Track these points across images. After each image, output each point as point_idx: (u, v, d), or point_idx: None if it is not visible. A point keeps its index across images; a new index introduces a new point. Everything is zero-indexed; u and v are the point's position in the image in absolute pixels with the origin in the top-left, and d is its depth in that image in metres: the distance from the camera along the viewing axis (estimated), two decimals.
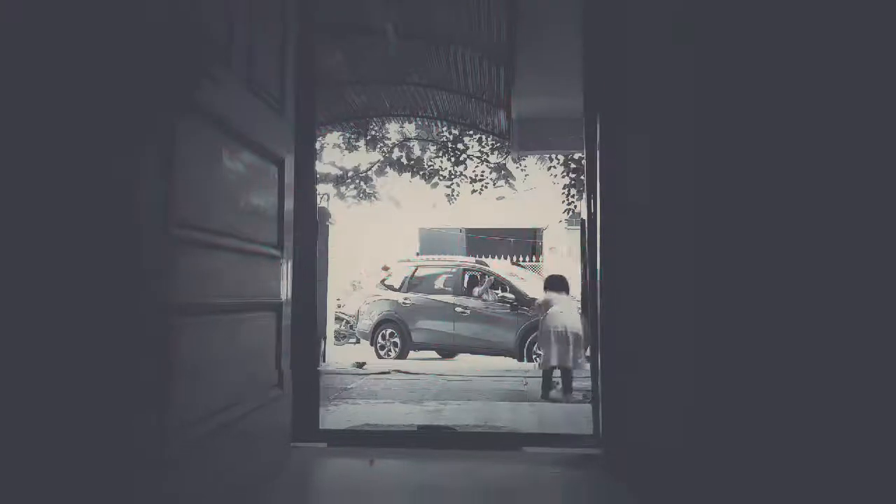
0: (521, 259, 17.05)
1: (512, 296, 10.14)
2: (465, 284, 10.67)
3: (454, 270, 10.93)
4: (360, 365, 7.71)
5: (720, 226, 2.56)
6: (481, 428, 3.55)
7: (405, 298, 10.78)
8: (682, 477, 2.41)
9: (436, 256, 12.57)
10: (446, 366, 8.79)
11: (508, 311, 9.99)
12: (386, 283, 11.35)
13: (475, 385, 6.01)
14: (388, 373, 6.39)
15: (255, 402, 2.31)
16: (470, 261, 11.66)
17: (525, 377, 6.60)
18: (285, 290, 2.64)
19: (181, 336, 1.77)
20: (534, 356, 9.27)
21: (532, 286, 10.39)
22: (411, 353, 10.54)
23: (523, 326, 9.68)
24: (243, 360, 2.24)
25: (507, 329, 9.88)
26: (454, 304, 10.38)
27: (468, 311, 10.26)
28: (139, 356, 1.58)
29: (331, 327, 10.55)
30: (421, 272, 11.18)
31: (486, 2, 6.29)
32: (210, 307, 1.97)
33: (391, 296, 10.98)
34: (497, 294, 10.29)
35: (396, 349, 10.56)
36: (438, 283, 10.92)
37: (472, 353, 10.35)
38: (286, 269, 2.65)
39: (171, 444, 1.70)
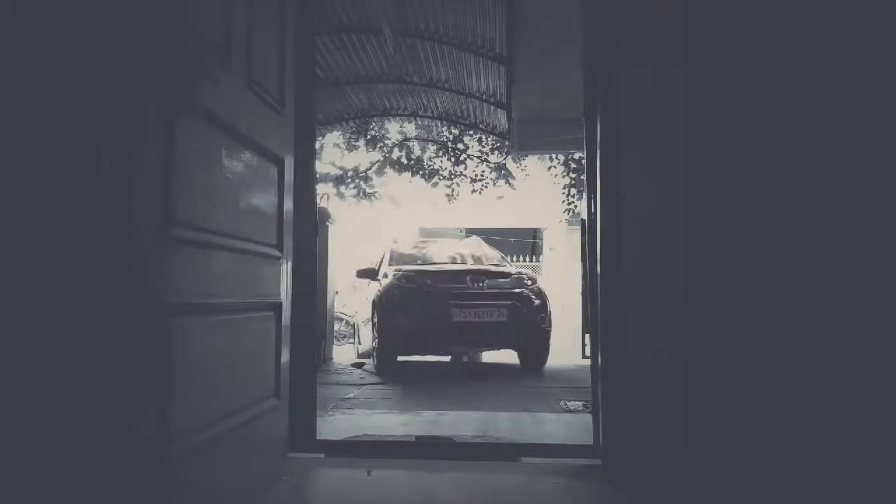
0: (520, 259, 17.03)
1: None
2: None
3: None
4: (360, 366, 7.69)
5: (720, 224, 2.55)
6: (480, 438, 3.53)
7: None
8: (686, 489, 2.39)
9: None
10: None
11: None
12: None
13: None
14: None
15: (253, 409, 2.30)
16: None
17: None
18: (285, 290, 2.63)
19: (179, 337, 1.76)
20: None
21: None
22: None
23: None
24: (242, 362, 2.23)
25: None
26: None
27: None
28: (135, 357, 1.58)
29: (331, 327, 10.60)
30: None
31: (486, 2, 6.29)
32: (209, 308, 1.96)
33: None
34: None
35: None
36: None
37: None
38: (286, 270, 2.64)
39: (168, 451, 1.69)
